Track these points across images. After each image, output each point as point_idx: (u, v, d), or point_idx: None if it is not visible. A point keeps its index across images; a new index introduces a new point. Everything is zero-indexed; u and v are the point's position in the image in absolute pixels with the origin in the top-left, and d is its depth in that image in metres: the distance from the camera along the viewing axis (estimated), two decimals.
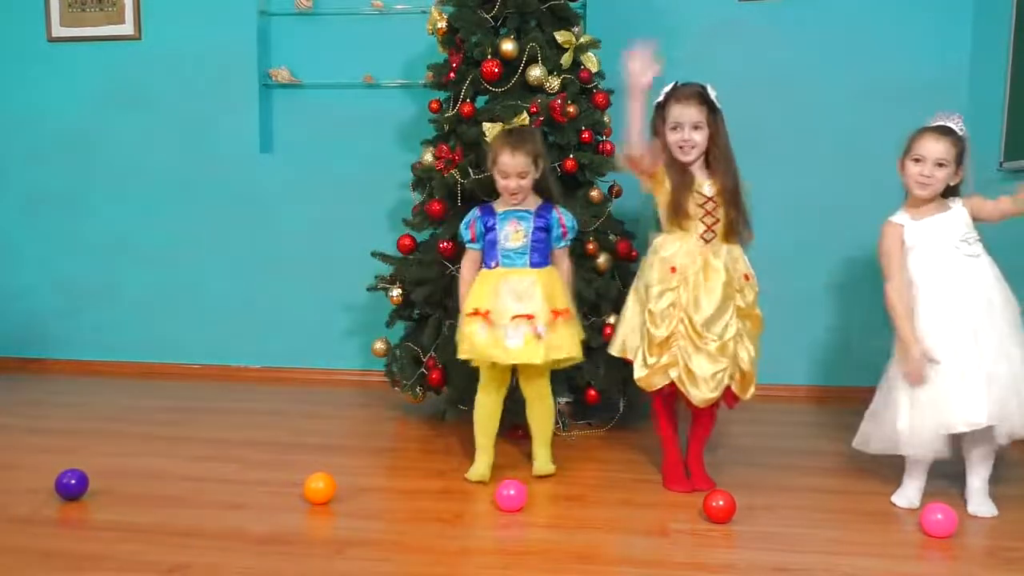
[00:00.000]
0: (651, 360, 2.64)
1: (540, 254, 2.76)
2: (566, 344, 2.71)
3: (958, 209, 2.58)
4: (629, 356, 2.71)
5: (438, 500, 2.64)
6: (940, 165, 2.53)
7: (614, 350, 2.76)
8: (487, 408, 2.80)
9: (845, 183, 3.78)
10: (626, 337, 2.72)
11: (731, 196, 2.63)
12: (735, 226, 2.65)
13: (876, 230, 3.70)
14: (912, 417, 2.50)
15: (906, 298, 2.55)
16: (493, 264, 2.76)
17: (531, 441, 2.88)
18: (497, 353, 2.66)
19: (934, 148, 2.53)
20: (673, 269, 2.62)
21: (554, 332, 2.67)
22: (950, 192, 2.60)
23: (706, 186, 2.65)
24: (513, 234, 2.74)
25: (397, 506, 2.61)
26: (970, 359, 2.45)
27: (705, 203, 2.63)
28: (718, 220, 2.64)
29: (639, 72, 2.48)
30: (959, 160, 2.54)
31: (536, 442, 2.87)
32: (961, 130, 2.55)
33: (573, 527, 2.44)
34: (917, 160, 2.55)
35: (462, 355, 2.75)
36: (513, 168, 2.70)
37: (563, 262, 2.85)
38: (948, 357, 2.47)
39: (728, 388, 2.63)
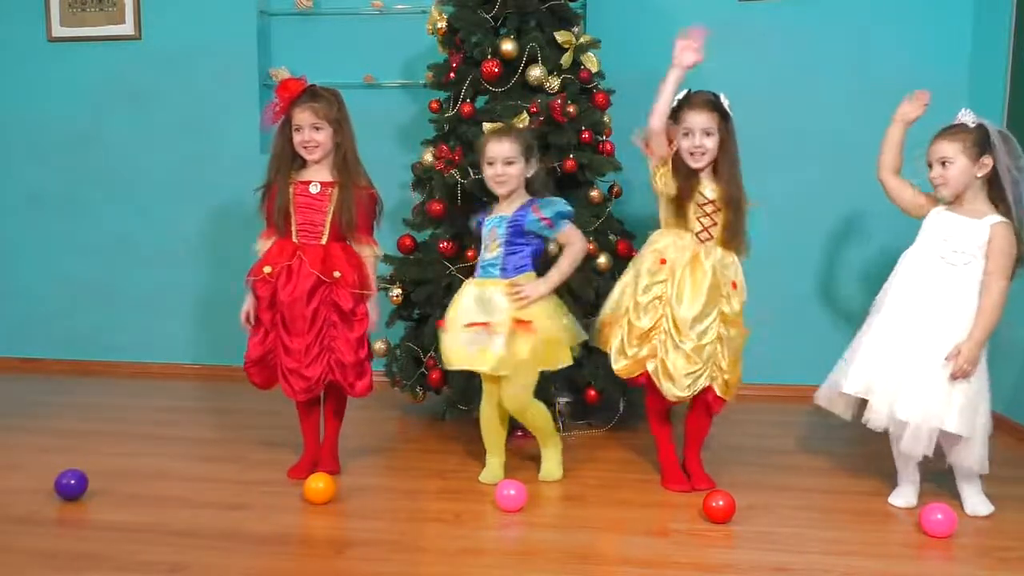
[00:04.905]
0: (630, 351, 2.65)
1: (515, 262, 2.71)
2: (526, 354, 2.64)
3: (983, 225, 2.50)
4: (606, 348, 2.73)
5: (438, 500, 2.65)
6: (945, 164, 2.52)
7: (593, 339, 2.78)
8: (485, 413, 2.80)
9: (844, 183, 3.78)
10: (606, 326, 2.74)
11: (733, 202, 2.65)
12: (733, 231, 2.65)
13: (875, 230, 3.75)
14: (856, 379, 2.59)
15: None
16: (475, 275, 2.78)
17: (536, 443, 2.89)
18: (457, 360, 2.70)
19: (935, 148, 2.54)
20: (663, 261, 2.65)
21: (515, 342, 2.64)
22: (1000, 200, 2.52)
23: (708, 189, 2.66)
24: (491, 244, 2.74)
25: (397, 506, 2.61)
26: (925, 358, 2.49)
27: (705, 204, 2.65)
28: (716, 223, 2.65)
29: (681, 50, 2.56)
30: (980, 150, 2.49)
31: (540, 446, 2.86)
32: (973, 121, 2.52)
33: (573, 527, 2.45)
34: (930, 165, 2.56)
35: (444, 365, 2.81)
36: (498, 153, 2.70)
37: (570, 244, 2.74)
38: (899, 344, 2.53)
39: (711, 390, 2.65)
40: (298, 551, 2.29)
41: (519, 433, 3.04)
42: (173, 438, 3.30)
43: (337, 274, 2.72)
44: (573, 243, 2.75)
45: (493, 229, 2.74)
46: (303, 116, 2.71)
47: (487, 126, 3.17)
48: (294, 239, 2.75)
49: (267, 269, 2.72)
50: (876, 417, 2.53)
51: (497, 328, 2.64)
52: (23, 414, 3.63)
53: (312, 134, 2.71)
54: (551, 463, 2.83)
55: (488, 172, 2.74)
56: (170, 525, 2.42)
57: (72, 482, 2.58)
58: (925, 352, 2.49)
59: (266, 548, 2.28)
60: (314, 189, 2.74)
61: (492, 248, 2.73)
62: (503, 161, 2.70)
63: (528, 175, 2.76)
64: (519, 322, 2.64)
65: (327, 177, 2.76)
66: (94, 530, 2.41)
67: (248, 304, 2.79)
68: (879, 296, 2.65)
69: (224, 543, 2.31)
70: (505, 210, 2.75)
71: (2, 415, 3.63)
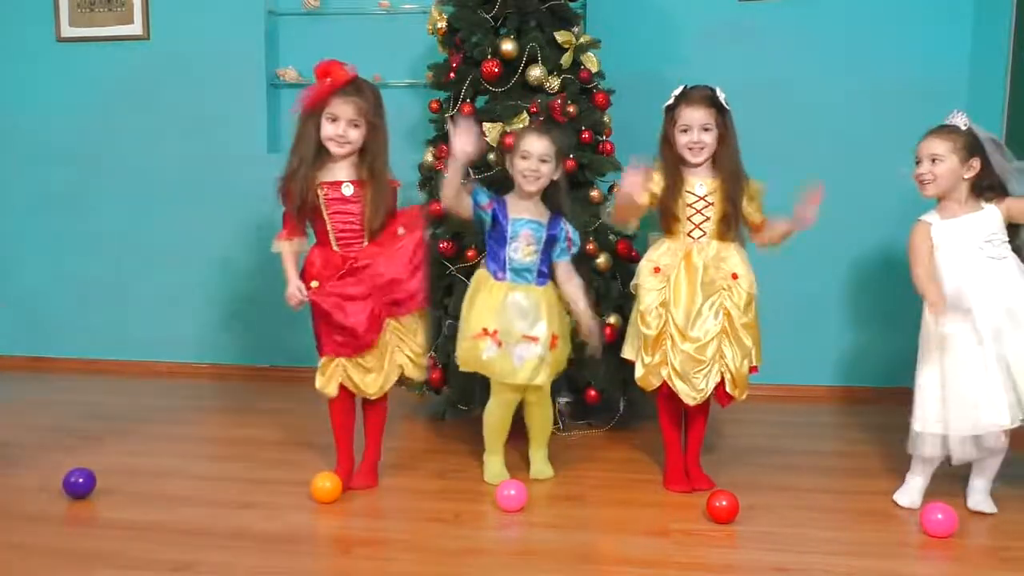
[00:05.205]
0: (647, 360, 2.67)
1: (545, 270, 2.76)
2: (559, 365, 2.78)
3: (990, 210, 2.54)
4: (632, 358, 2.75)
5: (438, 500, 2.67)
6: (935, 161, 2.53)
7: (623, 353, 2.81)
8: (497, 416, 2.78)
9: (844, 184, 3.77)
10: (630, 339, 2.78)
11: (731, 195, 2.66)
12: (729, 224, 2.67)
13: (877, 231, 3.75)
14: (941, 421, 2.50)
15: (932, 274, 2.53)
16: (500, 276, 2.73)
17: (528, 443, 2.90)
18: (506, 372, 2.67)
19: (926, 145, 2.56)
20: (657, 269, 2.68)
21: (551, 353, 2.71)
22: (987, 190, 2.55)
23: (697, 185, 2.67)
24: (524, 248, 2.71)
25: (400, 506, 2.64)
26: (991, 361, 2.45)
27: (695, 202, 2.67)
28: (708, 219, 2.67)
29: (630, 186, 2.58)
30: (969, 154, 2.52)
31: (533, 446, 2.89)
32: (965, 124, 2.54)
33: (573, 527, 2.46)
34: (918, 162, 2.57)
35: (465, 368, 2.75)
36: (536, 149, 2.67)
37: (572, 279, 2.80)
38: (968, 359, 2.46)
39: (721, 387, 2.65)
40: (305, 550, 2.31)
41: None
42: (181, 437, 3.32)
43: (402, 230, 2.63)
44: (576, 276, 2.83)
45: (528, 234, 2.72)
46: (344, 109, 2.56)
47: (487, 126, 3.19)
48: (334, 247, 2.63)
49: (315, 284, 2.61)
50: None
51: (543, 341, 2.68)
52: (32, 412, 3.66)
53: (348, 129, 2.58)
54: (543, 462, 2.87)
55: (521, 165, 2.69)
56: (178, 524, 2.45)
57: (80, 480, 2.61)
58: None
59: (274, 547, 2.31)
60: (347, 191, 2.61)
61: (528, 253, 2.72)
62: (539, 158, 2.68)
63: (554, 178, 2.75)
64: (555, 336, 2.72)
65: (354, 175, 2.63)
66: (102, 528, 2.43)
67: (294, 284, 2.61)
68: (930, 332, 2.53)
69: (232, 542, 2.34)
70: (534, 214, 2.74)
71: (11, 413, 3.66)
